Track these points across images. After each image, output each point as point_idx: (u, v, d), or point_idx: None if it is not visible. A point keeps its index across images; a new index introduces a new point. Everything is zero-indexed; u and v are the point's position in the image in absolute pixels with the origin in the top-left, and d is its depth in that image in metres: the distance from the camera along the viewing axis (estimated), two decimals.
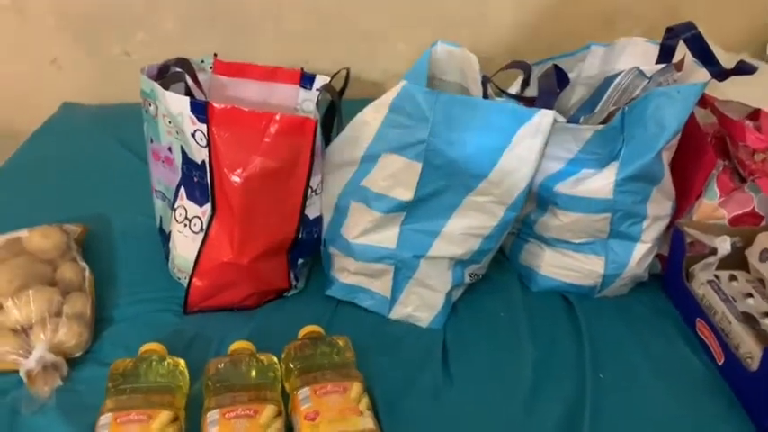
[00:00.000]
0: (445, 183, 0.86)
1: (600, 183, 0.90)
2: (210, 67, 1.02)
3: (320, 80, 1.05)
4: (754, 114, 0.94)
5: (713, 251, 0.93)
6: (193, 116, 0.83)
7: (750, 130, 0.90)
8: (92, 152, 1.33)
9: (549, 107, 0.83)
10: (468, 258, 0.92)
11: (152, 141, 0.95)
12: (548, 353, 0.87)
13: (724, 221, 0.93)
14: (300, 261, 0.96)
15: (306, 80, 1.05)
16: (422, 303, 0.93)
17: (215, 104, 0.82)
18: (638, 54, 1.02)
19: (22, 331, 0.80)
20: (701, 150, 0.92)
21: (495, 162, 0.84)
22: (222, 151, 0.84)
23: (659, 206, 0.94)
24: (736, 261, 0.93)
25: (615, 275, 0.97)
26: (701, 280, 0.91)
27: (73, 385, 0.79)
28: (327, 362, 0.77)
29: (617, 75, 0.97)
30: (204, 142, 0.84)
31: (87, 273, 0.92)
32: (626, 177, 0.89)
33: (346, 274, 0.95)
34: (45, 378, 0.76)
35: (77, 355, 0.82)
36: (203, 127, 0.83)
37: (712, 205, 0.93)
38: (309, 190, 0.89)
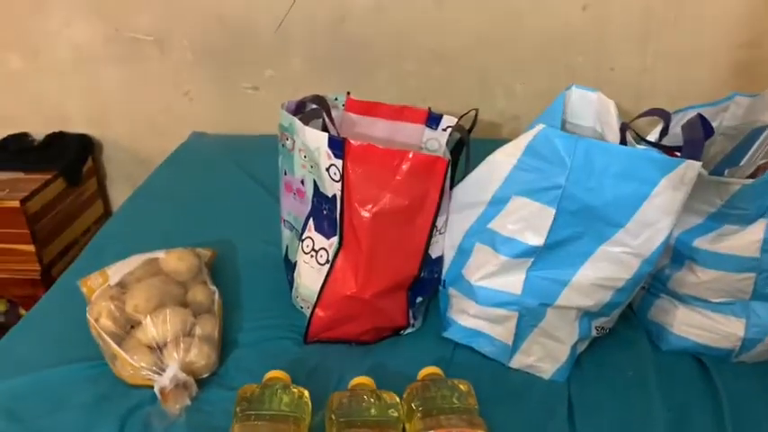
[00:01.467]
0: (579, 230, 0.83)
1: (745, 240, 0.85)
2: (343, 105, 1.05)
3: (446, 120, 1.05)
4: None
5: None
6: (330, 151, 0.85)
7: None
8: (219, 180, 1.40)
9: (696, 158, 0.79)
10: (598, 311, 0.88)
11: (285, 173, 0.98)
12: (681, 418, 0.82)
13: None
14: (419, 300, 0.95)
15: (432, 120, 1.06)
16: (545, 354, 0.90)
17: (352, 141, 0.84)
18: None
19: (157, 349, 0.83)
20: None
21: (634, 212, 0.81)
22: (355, 186, 0.85)
23: None
24: None
25: (757, 340, 0.90)
26: None
27: (200, 405, 0.81)
28: (449, 406, 0.76)
29: (766, 126, 0.92)
30: (338, 177, 0.86)
31: (216, 296, 0.95)
32: None
33: (465, 317, 0.93)
34: (176, 396, 0.79)
35: (205, 375, 0.85)
36: (338, 162, 0.85)
37: None
38: (434, 229, 0.88)
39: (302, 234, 0.96)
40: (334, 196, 0.89)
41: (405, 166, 0.84)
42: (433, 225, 0.87)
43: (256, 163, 1.42)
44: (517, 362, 0.91)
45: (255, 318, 0.98)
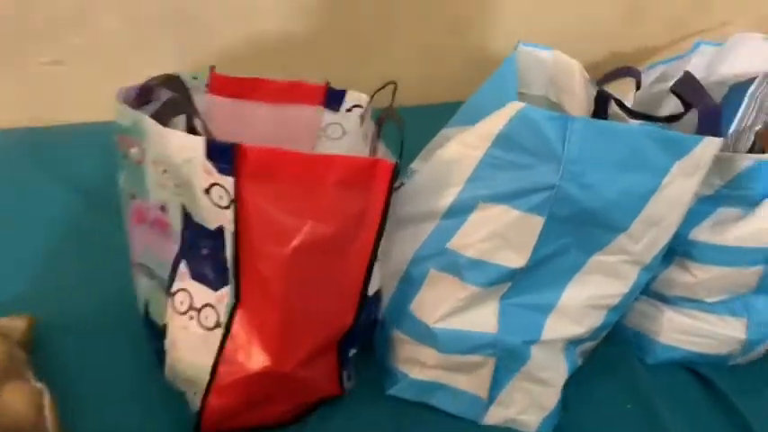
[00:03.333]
0: (568, 240, 0.62)
1: (755, 227, 0.68)
2: (206, 86, 0.73)
3: (351, 98, 0.78)
4: None
5: None
6: (211, 164, 0.55)
7: None
8: (18, 195, 0.98)
9: (715, 132, 0.60)
10: (587, 337, 0.68)
11: (134, 197, 0.66)
12: None
13: None
14: (352, 353, 0.69)
15: (332, 98, 0.78)
16: (530, 403, 0.68)
17: (247, 146, 0.54)
18: (754, 54, 0.81)
19: None
20: None
21: (640, 209, 0.61)
22: (257, 214, 0.56)
23: None
24: None
25: (759, 341, 0.75)
26: None
27: None
28: None
29: (746, 84, 0.76)
30: (226, 201, 0.56)
31: (46, 398, 0.61)
32: None
33: (420, 368, 0.69)
34: None
35: None
36: (227, 180, 0.55)
37: None
38: (375, 260, 0.62)
39: (171, 285, 0.64)
40: (221, 230, 0.59)
41: (332, 178, 0.56)
42: (374, 255, 0.61)
43: (72, 165, 1.02)
44: (494, 417, 0.69)
45: (114, 416, 0.66)
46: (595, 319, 0.67)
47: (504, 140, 0.59)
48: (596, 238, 0.62)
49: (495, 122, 0.59)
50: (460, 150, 0.61)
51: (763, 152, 0.70)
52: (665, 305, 0.76)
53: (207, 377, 0.62)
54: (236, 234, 0.57)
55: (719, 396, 0.72)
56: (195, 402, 0.64)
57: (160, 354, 0.68)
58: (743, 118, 0.73)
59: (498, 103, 0.60)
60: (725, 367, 0.77)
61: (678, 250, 0.71)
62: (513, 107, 0.58)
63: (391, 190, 0.58)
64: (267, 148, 0.55)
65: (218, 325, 0.62)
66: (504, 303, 0.65)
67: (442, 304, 0.64)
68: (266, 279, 0.58)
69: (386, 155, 0.62)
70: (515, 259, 0.61)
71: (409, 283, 0.67)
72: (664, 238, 0.64)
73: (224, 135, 0.59)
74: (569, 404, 0.70)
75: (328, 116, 0.79)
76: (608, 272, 0.64)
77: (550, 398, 0.68)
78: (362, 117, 0.77)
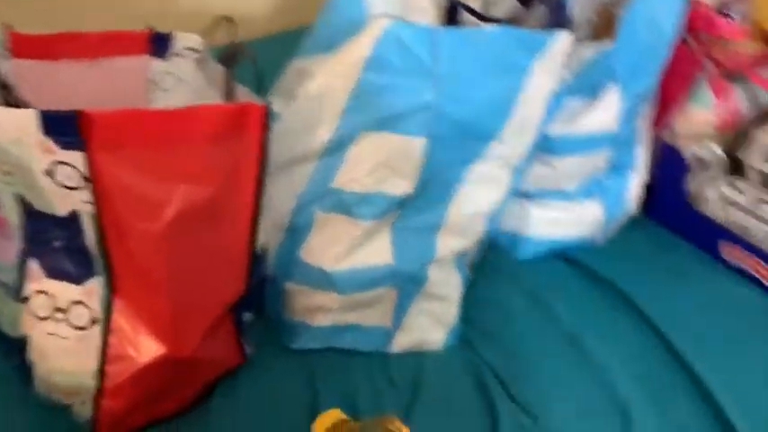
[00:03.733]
0: (447, 156, 0.62)
1: (602, 114, 0.73)
2: (7, 50, 0.61)
3: (181, 40, 0.69)
4: None
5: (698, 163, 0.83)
6: (50, 141, 0.46)
7: (719, 17, 0.79)
8: None
9: (563, 25, 0.62)
10: (473, 246, 0.70)
11: None
12: (606, 332, 0.70)
13: (710, 128, 0.83)
14: (248, 317, 0.64)
15: (159, 45, 0.69)
16: (433, 322, 0.68)
17: (93, 113, 0.45)
18: None
19: None
20: (680, 53, 0.79)
21: (508, 113, 0.62)
22: (119, 189, 0.48)
23: (645, 124, 0.80)
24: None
25: (614, 219, 0.82)
26: (712, 198, 0.80)
27: None
28: None
29: None
30: (76, 180, 0.48)
31: None
32: (633, 100, 0.73)
33: (322, 315, 0.66)
34: None
35: None
36: (74, 156, 0.46)
37: (703, 113, 0.81)
38: (259, 215, 0.57)
39: (21, 290, 0.55)
40: (75, 215, 0.50)
41: (198, 133, 0.50)
42: (257, 210, 0.56)
43: None
44: (401, 343, 0.69)
45: None
46: (479, 228, 0.68)
47: (374, 64, 0.55)
48: (472, 150, 0.62)
49: (361, 46, 0.55)
50: (329, 82, 0.57)
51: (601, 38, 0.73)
52: (530, 201, 0.80)
53: (93, 381, 0.55)
54: (98, 216, 0.49)
55: (592, 275, 0.78)
56: (85, 411, 0.56)
57: (23, 369, 0.58)
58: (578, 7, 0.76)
59: (351, 25, 0.57)
60: (589, 249, 0.83)
61: (538, 147, 0.74)
62: (378, 26, 0.54)
63: (267, 135, 0.53)
64: (118, 111, 0.47)
65: (94, 322, 0.54)
66: (395, 231, 0.63)
67: (334, 246, 0.62)
68: (143, 260, 0.51)
69: (249, 97, 0.56)
70: (403, 186, 0.60)
71: (296, 232, 0.63)
72: (530, 138, 0.65)
73: (44, 104, 0.50)
74: (466, 314, 0.72)
75: (157, 65, 0.70)
76: (485, 180, 0.65)
77: (451, 312, 0.69)
78: (199, 61, 0.69)
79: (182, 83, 0.70)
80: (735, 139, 0.83)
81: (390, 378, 0.65)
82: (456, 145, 0.61)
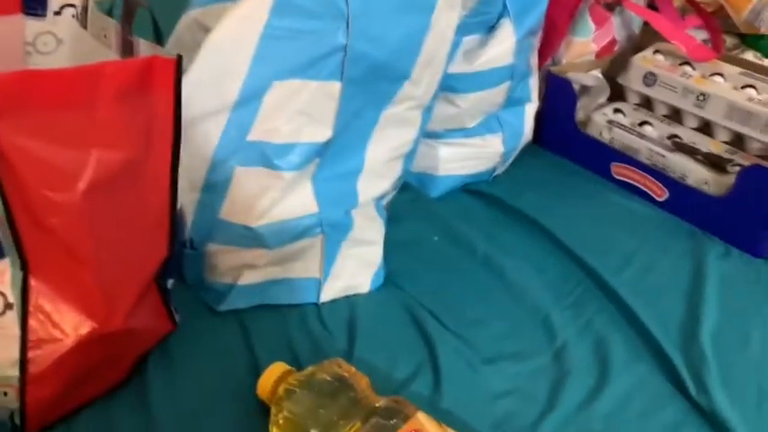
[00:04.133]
0: (361, 100, 0.62)
1: (498, 48, 0.76)
2: None
3: None
4: None
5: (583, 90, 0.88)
6: None
7: None
8: None
9: None
10: (391, 188, 0.71)
11: None
12: (516, 252, 0.75)
13: (591, 56, 0.88)
14: (171, 283, 0.62)
15: (33, 2, 0.63)
16: (359, 266, 0.69)
17: None
18: None
19: None
20: None
21: (418, 52, 0.63)
22: (23, 159, 0.44)
23: (534, 56, 0.84)
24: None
25: (513, 149, 0.86)
26: (599, 122, 0.86)
27: None
28: (350, 411, 0.51)
29: None
30: None
31: None
32: (525, 33, 0.76)
33: (249, 272, 0.65)
34: None
35: None
36: None
37: (585, 42, 0.86)
38: (177, 175, 0.54)
39: None
40: None
41: (106, 91, 0.46)
42: (174, 170, 0.53)
43: None
44: (329, 292, 0.69)
45: None
46: (396, 170, 0.69)
47: (282, 8, 0.54)
48: (385, 92, 0.63)
49: None
50: (233, 30, 0.55)
51: None
52: (437, 141, 0.82)
53: (15, 371, 0.51)
54: (2, 191, 0.45)
55: (498, 204, 0.82)
56: (9, 403, 0.52)
57: None
58: None
59: None
60: (491, 180, 0.87)
61: (442, 87, 0.75)
62: None
63: (179, 89, 0.50)
64: (13, 73, 0.42)
65: (8, 306, 0.50)
66: (316, 180, 0.63)
67: (258, 201, 0.60)
68: (61, 235, 0.48)
69: (154, 51, 0.52)
70: (321, 133, 0.59)
71: (213, 191, 0.61)
72: (438, 77, 0.67)
73: None
74: (387, 255, 0.73)
75: (33, 25, 0.64)
76: (399, 122, 0.66)
77: (376, 255, 0.70)
78: (79, 16, 0.63)
79: (63, 44, 0.65)
80: (613, 64, 0.89)
81: (325, 325, 0.65)
82: (370, 88, 0.61)
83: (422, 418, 0.51)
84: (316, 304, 0.68)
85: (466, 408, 0.57)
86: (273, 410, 0.53)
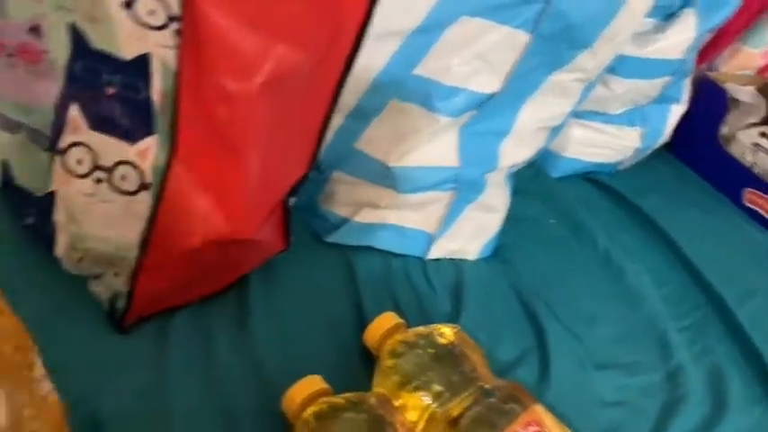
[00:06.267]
0: (537, 60, 0.57)
1: (674, 39, 0.70)
2: None
3: None
4: None
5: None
6: None
7: None
8: None
9: None
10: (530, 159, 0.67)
11: None
12: (636, 254, 0.70)
13: (753, 70, 0.82)
14: (293, 201, 0.58)
15: None
16: (475, 232, 0.65)
17: None
18: None
19: None
20: None
21: (608, 22, 0.57)
22: (213, 37, 0.41)
23: (693, 56, 0.78)
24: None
25: (648, 148, 0.81)
26: (745, 143, 0.80)
27: None
28: (463, 384, 0.48)
29: None
30: (162, 19, 0.40)
31: None
32: (707, 29, 0.70)
33: (368, 211, 0.62)
34: None
35: None
36: None
37: (753, 53, 0.80)
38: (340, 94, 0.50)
39: (57, 138, 0.46)
40: (144, 59, 0.42)
41: None
42: (340, 87, 0.49)
43: None
44: (438, 250, 0.65)
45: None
46: (540, 141, 0.65)
47: None
48: (562, 56, 0.58)
49: None
50: None
51: None
52: (574, 120, 0.77)
53: (134, 254, 0.48)
54: (178, 64, 0.41)
55: (620, 199, 0.78)
56: (117, 285, 0.50)
57: (40, 229, 0.51)
58: None
59: None
60: (614, 173, 0.82)
61: None
62: None
63: (373, 6, 0.45)
64: None
65: (143, 187, 0.47)
66: (463, 133, 0.59)
67: (403, 140, 0.56)
68: (221, 127, 0.44)
69: None
70: (491, 83, 0.55)
71: (359, 118, 0.57)
72: (612, 54, 0.62)
73: None
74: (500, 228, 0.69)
75: None
76: (559, 91, 0.61)
77: (495, 224, 0.66)
78: None
79: None
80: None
81: (431, 283, 0.62)
82: (551, 48, 0.56)
83: (540, 410, 0.47)
84: (421, 259, 0.65)
85: (572, 409, 0.53)
86: (384, 360, 0.50)
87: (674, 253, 0.71)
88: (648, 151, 0.82)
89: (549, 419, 0.47)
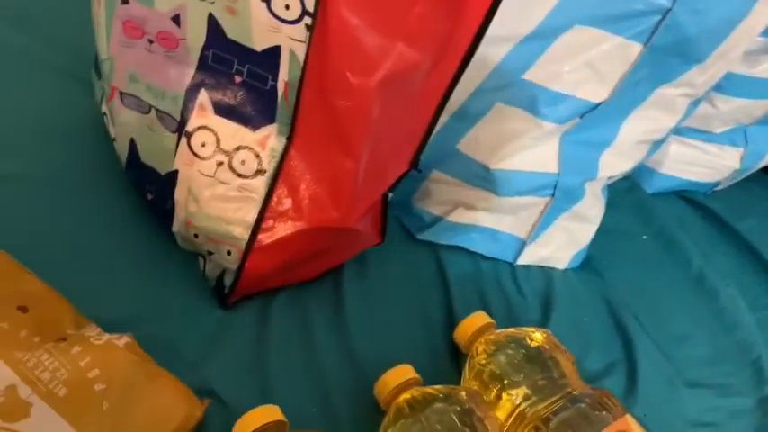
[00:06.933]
0: (646, 72, 0.56)
1: None
2: None
3: None
4: None
5: None
6: None
7: None
8: None
9: None
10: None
11: (125, 1, 0.47)
12: (732, 278, 0.69)
13: None
14: (390, 197, 0.60)
15: None
16: (567, 241, 0.66)
17: None
18: None
19: None
20: None
21: (722, 40, 0.56)
22: (340, 33, 0.43)
23: None
24: None
25: (748, 169, 0.79)
26: None
27: None
28: (553, 387, 0.48)
29: None
30: (296, 12, 0.42)
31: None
32: None
33: (460, 210, 0.63)
34: None
35: None
36: None
37: None
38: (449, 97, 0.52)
39: (184, 122, 0.50)
40: (274, 51, 0.45)
41: None
42: (450, 90, 0.51)
43: None
44: (528, 257, 0.66)
45: (116, 284, 0.53)
46: (641, 154, 0.64)
47: None
48: (672, 70, 0.57)
49: None
50: None
51: None
52: (673, 136, 0.76)
53: (246, 234, 0.51)
54: (306, 57, 0.44)
55: (717, 221, 0.76)
56: (226, 263, 0.53)
57: (160, 205, 0.55)
58: None
59: None
60: (711, 194, 0.80)
61: None
62: None
63: (493, 12, 0.47)
64: None
65: (260, 172, 0.50)
66: (565, 141, 0.59)
67: (506, 143, 0.57)
68: (340, 119, 0.46)
69: None
70: (599, 93, 0.55)
71: (464, 119, 0.58)
72: (723, 72, 0.61)
73: None
74: (593, 239, 0.69)
75: None
76: (665, 105, 0.61)
77: (588, 235, 0.66)
78: None
79: None
80: None
81: (520, 289, 0.63)
82: (660, 62, 0.55)
83: (631, 421, 0.47)
84: (511, 264, 0.66)
85: (658, 424, 0.52)
86: (475, 357, 0.51)
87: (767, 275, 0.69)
88: (748, 173, 0.80)
89: (639, 430, 0.47)
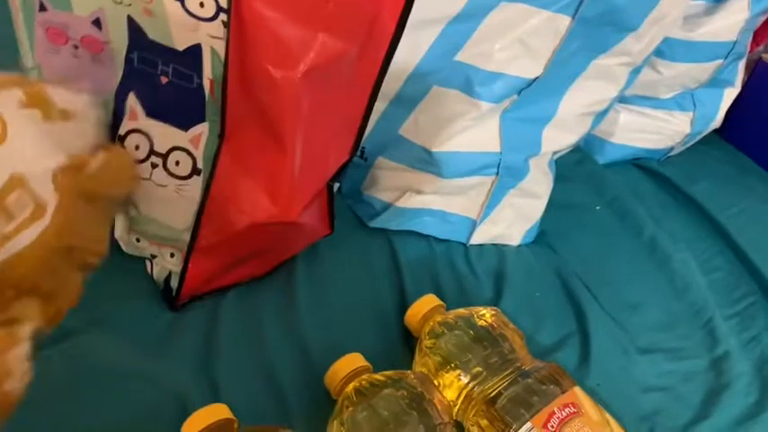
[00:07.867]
0: (578, 43, 0.57)
1: (725, 21, 0.68)
2: None
3: None
4: None
5: None
6: None
7: None
8: None
9: None
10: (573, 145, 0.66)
11: (43, 8, 0.47)
12: (684, 242, 0.69)
13: None
14: (336, 187, 0.60)
15: None
16: (517, 217, 0.66)
17: None
18: None
19: None
20: None
21: (653, 6, 0.56)
22: (258, 27, 0.43)
23: (747, 38, 0.76)
24: None
25: (699, 133, 0.79)
26: None
27: None
28: (502, 365, 0.49)
29: None
30: (212, 10, 0.42)
31: None
32: (762, 10, 0.68)
33: (409, 195, 0.63)
34: None
35: None
36: None
37: None
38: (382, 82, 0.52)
39: (116, 125, 0.49)
40: (195, 50, 0.45)
41: None
42: (382, 76, 0.50)
43: None
44: (481, 236, 0.66)
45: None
46: (585, 127, 0.64)
47: None
48: (605, 40, 0.58)
49: None
50: None
51: None
52: (622, 105, 0.76)
53: (187, 236, 0.51)
54: (227, 54, 0.44)
55: (670, 186, 0.77)
56: (173, 265, 0.53)
57: None
58: None
59: None
60: (664, 160, 0.81)
61: None
62: None
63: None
64: None
65: (195, 172, 0.50)
66: (505, 119, 0.59)
67: (446, 126, 0.57)
68: (267, 113, 0.46)
69: None
70: (532, 69, 0.55)
71: (402, 105, 0.58)
72: (659, 38, 0.61)
73: None
74: (544, 214, 0.69)
75: None
76: (604, 76, 0.61)
77: (537, 210, 0.67)
78: None
79: None
80: None
81: (473, 269, 0.63)
82: (593, 32, 0.56)
83: (579, 393, 0.48)
84: (464, 244, 0.66)
85: (613, 393, 0.53)
86: (424, 340, 0.51)
87: (724, 240, 0.70)
88: (700, 136, 0.80)
89: (587, 402, 0.48)
